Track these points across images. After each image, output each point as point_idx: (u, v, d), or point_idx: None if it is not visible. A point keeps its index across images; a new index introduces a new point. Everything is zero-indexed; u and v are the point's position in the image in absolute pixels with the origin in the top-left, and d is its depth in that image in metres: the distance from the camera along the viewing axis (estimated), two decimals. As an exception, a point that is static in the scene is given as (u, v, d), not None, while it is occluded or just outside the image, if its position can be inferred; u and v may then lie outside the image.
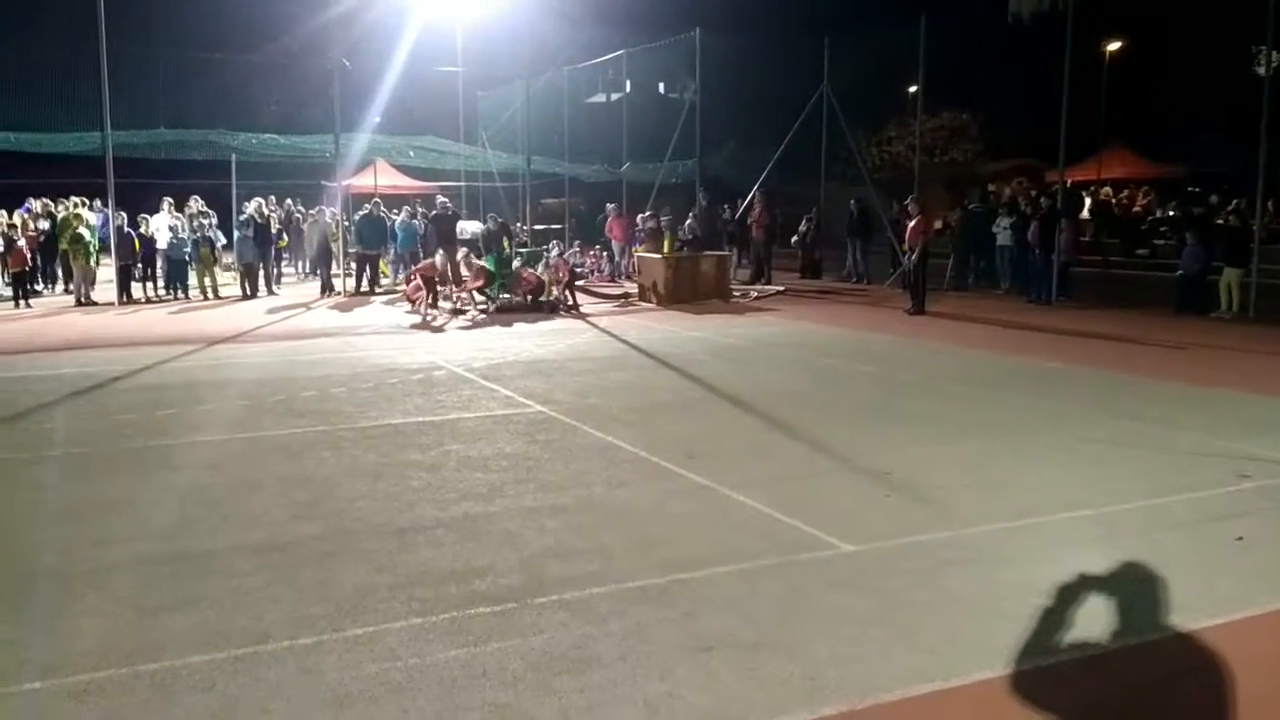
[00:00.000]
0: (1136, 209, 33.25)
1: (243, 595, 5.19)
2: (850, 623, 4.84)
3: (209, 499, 6.90)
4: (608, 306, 19.39)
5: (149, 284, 21.18)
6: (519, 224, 26.55)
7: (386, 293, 21.76)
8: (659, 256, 20.44)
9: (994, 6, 22.09)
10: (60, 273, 22.08)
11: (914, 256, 17.76)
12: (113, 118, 19.89)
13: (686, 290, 19.79)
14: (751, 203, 25.36)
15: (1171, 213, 30.09)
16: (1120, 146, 38.35)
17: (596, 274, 25.59)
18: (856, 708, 4.03)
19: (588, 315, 17.90)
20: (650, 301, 19.98)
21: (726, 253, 22.97)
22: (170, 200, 22.77)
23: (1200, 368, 12.27)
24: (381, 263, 23.23)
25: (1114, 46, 38.42)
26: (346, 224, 23.47)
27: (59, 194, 22.66)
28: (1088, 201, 31.71)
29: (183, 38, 31.48)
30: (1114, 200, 33.14)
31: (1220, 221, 17.74)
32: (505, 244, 20.73)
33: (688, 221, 23.32)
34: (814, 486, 7.20)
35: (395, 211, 24.03)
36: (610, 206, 27.12)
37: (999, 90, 34.44)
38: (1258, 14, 16.89)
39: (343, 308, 19.48)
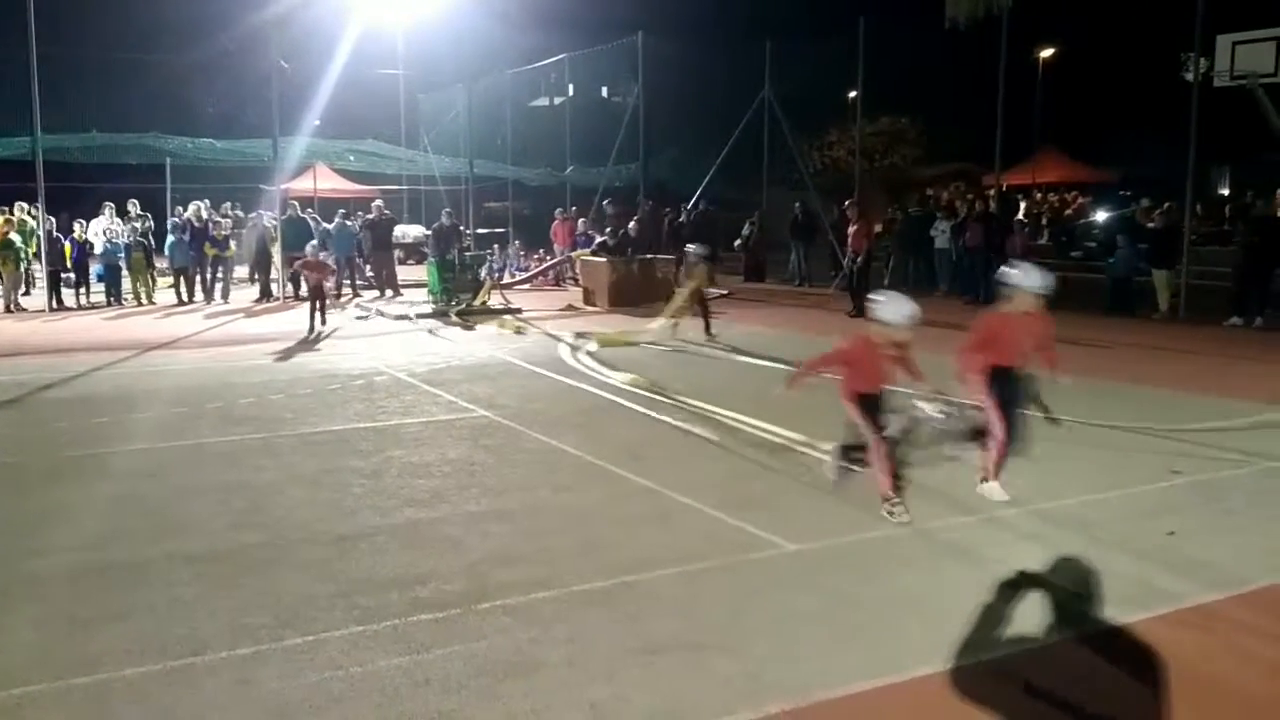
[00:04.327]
0: (1069, 212, 33.94)
1: (180, 605, 5.10)
2: (794, 621, 4.88)
3: (145, 508, 6.77)
4: (552, 310, 19.34)
5: (81, 290, 20.69)
6: (462, 227, 26.43)
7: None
8: (603, 260, 20.45)
9: (931, 12, 22.38)
10: None
11: (859, 260, 17.92)
12: (44, 121, 19.45)
13: (630, 294, 19.79)
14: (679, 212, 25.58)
15: (1102, 215, 30.74)
16: (1054, 150, 39.14)
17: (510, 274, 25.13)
18: (800, 705, 4.06)
19: (531, 319, 17.81)
20: (594, 305, 19.96)
21: (670, 256, 22.95)
22: (111, 205, 22.30)
23: (1131, 366, 12.53)
24: None
25: (1048, 53, 39.21)
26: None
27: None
28: (1023, 205, 32.29)
29: (117, 38, 30.88)
30: (1045, 203, 33.83)
31: (1151, 224, 18.11)
32: (453, 247, 20.58)
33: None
34: (759, 487, 7.25)
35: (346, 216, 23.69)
36: (558, 211, 27.27)
37: (937, 95, 34.96)
38: (1187, 22, 17.33)
39: (280, 313, 19.21)
